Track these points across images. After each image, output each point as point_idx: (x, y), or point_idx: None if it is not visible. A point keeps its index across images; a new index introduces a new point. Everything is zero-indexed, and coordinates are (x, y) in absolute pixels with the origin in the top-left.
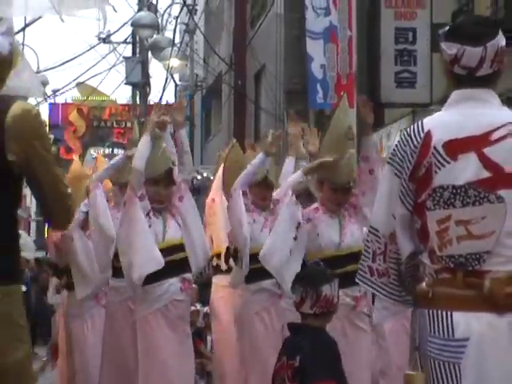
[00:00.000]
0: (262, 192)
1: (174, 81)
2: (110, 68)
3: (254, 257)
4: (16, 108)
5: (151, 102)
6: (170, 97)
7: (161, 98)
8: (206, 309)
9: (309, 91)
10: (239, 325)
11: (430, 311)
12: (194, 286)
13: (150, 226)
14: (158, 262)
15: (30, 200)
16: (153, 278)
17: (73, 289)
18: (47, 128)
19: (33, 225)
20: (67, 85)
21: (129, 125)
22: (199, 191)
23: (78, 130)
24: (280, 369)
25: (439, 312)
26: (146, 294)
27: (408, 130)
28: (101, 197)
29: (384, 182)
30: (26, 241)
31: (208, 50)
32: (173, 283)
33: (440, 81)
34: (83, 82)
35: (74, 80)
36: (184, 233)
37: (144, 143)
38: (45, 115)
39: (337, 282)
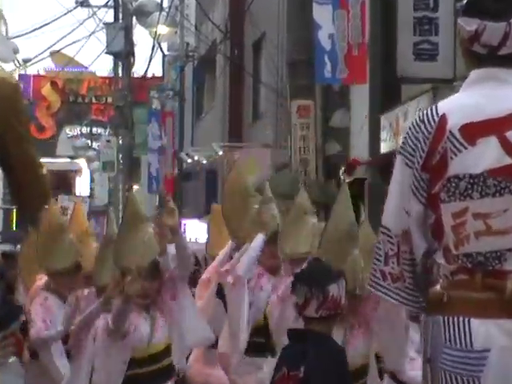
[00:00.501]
0: (272, 250)
1: (162, 50)
2: (89, 35)
3: (257, 330)
4: None
5: (135, 75)
6: (156, 69)
7: (146, 71)
8: None
9: (315, 63)
10: None
11: (445, 318)
12: None
13: (128, 334)
14: None
15: None
16: None
17: None
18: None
19: None
20: (40, 54)
21: (109, 100)
22: (189, 177)
23: (51, 105)
24: (280, 381)
25: (455, 319)
26: None
27: (420, 115)
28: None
29: (396, 174)
30: None
31: (201, 16)
32: None
33: None
34: (58, 51)
35: (47, 48)
36: (173, 333)
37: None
38: None
39: (343, 280)
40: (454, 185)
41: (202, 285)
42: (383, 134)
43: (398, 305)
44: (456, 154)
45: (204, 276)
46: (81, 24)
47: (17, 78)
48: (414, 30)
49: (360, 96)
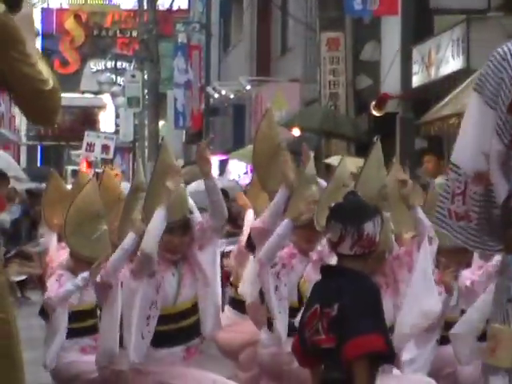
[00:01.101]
0: (308, 234)
1: None
2: None
3: (291, 311)
4: None
5: (160, 8)
6: (182, 1)
7: (172, 3)
8: None
9: None
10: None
11: None
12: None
13: (157, 302)
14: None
15: (19, 121)
16: (154, 341)
17: None
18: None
19: (23, 150)
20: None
21: (134, 33)
22: (217, 112)
23: (75, 39)
24: (312, 318)
25: None
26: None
27: (501, 52)
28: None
29: (472, 112)
30: (16, 170)
31: None
32: (174, 353)
33: None
34: None
35: None
36: (201, 287)
37: (158, 219)
38: (36, 22)
39: (380, 217)
40: None
41: (240, 250)
42: (415, 67)
43: (459, 243)
44: None
45: (242, 242)
46: None
47: (39, 12)
48: None
49: (391, 28)
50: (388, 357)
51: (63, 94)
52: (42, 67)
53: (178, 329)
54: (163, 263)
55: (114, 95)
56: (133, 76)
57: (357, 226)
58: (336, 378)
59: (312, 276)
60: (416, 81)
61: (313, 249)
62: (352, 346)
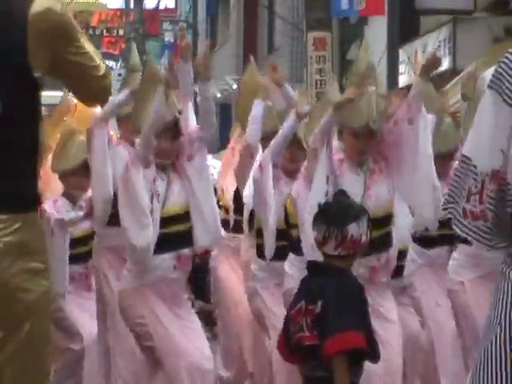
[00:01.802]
0: (292, 153)
1: None
2: None
3: (278, 234)
4: (37, 6)
5: (147, 6)
6: (168, 0)
7: (158, 2)
8: None
9: None
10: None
11: None
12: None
13: (158, 195)
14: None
15: None
16: None
17: None
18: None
19: None
20: None
21: (121, 32)
22: None
23: None
24: (297, 315)
25: None
26: (133, 265)
27: None
28: (103, 142)
29: (488, 109)
30: None
31: None
32: (165, 259)
33: None
34: None
35: None
36: (191, 200)
37: (157, 108)
38: None
39: (365, 217)
40: None
41: (226, 157)
42: (402, 68)
43: (475, 243)
44: None
45: (228, 148)
46: None
47: None
48: None
49: (378, 28)
50: (369, 354)
51: (49, 93)
52: (93, 52)
53: (167, 234)
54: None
55: None
56: (119, 75)
57: (341, 228)
58: (320, 377)
59: (302, 192)
60: (403, 81)
61: (298, 169)
62: (331, 342)
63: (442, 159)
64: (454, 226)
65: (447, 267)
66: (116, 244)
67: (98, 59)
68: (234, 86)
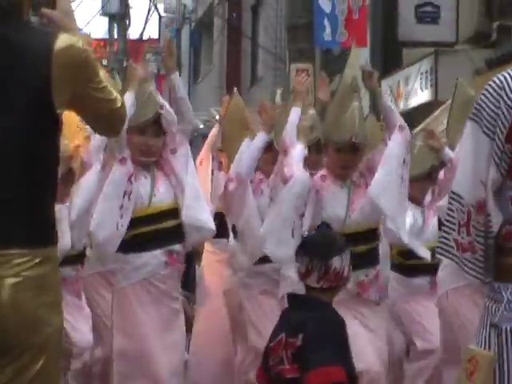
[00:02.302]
0: (270, 157)
1: (158, 12)
2: None
3: None
4: (61, 42)
5: (131, 37)
6: (152, 31)
7: (142, 33)
8: None
9: (314, 26)
10: (230, 306)
11: None
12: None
13: (131, 193)
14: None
15: None
16: (133, 247)
17: None
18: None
19: None
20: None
21: (105, 62)
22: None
23: None
24: (276, 347)
25: None
26: (125, 264)
27: (497, 81)
28: (93, 181)
29: (469, 141)
30: None
31: None
32: (156, 256)
33: (467, 16)
34: None
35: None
36: (179, 194)
37: (127, 101)
38: None
39: (348, 251)
40: None
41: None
42: None
43: (467, 277)
44: None
45: (198, 159)
46: None
47: None
48: None
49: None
50: None
51: None
52: (111, 85)
53: (155, 230)
54: (135, 167)
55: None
56: None
57: (324, 261)
58: None
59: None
60: None
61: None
62: (314, 376)
63: (415, 182)
64: (445, 257)
65: (431, 296)
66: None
67: (115, 92)
68: (217, 117)
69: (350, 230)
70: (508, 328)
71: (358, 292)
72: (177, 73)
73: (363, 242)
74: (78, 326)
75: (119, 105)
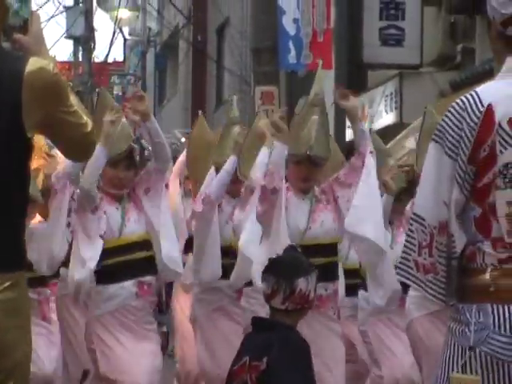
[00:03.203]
0: (233, 175)
1: (123, 35)
2: (49, 19)
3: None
4: (31, 66)
5: (96, 60)
6: (117, 53)
7: (107, 56)
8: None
9: (279, 49)
10: (194, 325)
11: (494, 305)
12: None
13: (98, 220)
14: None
15: None
16: (103, 277)
17: None
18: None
19: None
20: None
21: (70, 85)
22: None
23: None
24: (240, 370)
25: (506, 307)
26: (96, 294)
27: (460, 102)
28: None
29: (431, 163)
30: None
31: (163, 0)
32: (126, 287)
33: (431, 39)
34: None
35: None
36: (151, 232)
37: (97, 155)
38: None
39: (315, 273)
40: (511, 171)
41: None
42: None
43: (430, 298)
44: (506, 148)
45: None
46: (40, 7)
47: None
48: (380, 14)
49: (325, 82)
50: None
51: None
52: (81, 110)
53: (125, 262)
54: (106, 198)
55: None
56: None
57: (289, 282)
58: None
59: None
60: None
61: (239, 190)
62: None
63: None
64: (404, 279)
65: (400, 314)
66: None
67: (85, 116)
68: (183, 140)
69: (309, 241)
70: (483, 351)
71: (317, 304)
72: (152, 118)
73: (322, 255)
74: (41, 353)
75: (89, 129)
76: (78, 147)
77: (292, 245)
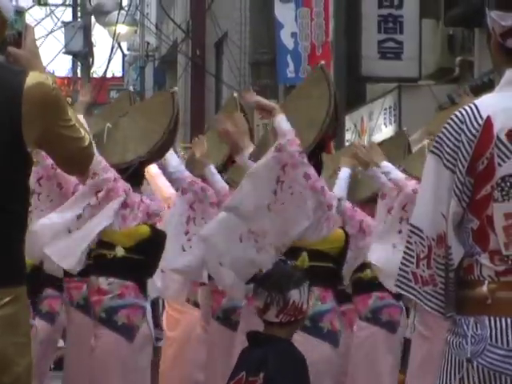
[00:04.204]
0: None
1: (122, 50)
2: (47, 35)
3: None
4: (31, 80)
5: (95, 75)
6: (116, 69)
7: (106, 71)
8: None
9: (278, 63)
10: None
11: (491, 318)
12: None
13: None
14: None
15: None
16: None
17: None
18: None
19: None
20: None
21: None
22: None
23: None
24: None
25: (503, 319)
26: None
27: (459, 114)
28: None
29: (429, 174)
30: None
31: (161, 15)
32: None
33: (430, 52)
34: None
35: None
36: None
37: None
38: None
39: (307, 285)
40: (509, 184)
41: None
42: (348, 135)
43: (428, 310)
44: (504, 161)
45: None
46: (38, 23)
47: None
48: (378, 28)
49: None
50: None
51: None
52: (79, 124)
53: None
54: None
55: None
56: None
57: (282, 294)
58: None
59: None
60: (348, 136)
61: None
62: None
63: (364, 206)
64: (402, 291)
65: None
66: None
67: (83, 130)
68: (182, 153)
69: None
70: (480, 363)
71: None
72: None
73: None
74: None
75: (87, 143)
76: (75, 161)
77: (281, 258)
